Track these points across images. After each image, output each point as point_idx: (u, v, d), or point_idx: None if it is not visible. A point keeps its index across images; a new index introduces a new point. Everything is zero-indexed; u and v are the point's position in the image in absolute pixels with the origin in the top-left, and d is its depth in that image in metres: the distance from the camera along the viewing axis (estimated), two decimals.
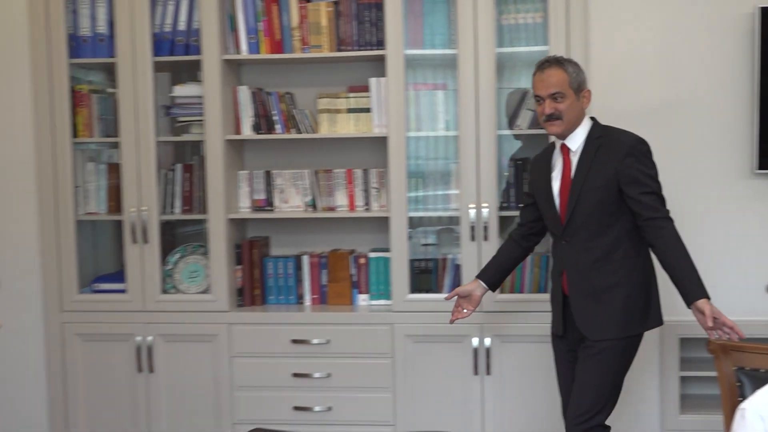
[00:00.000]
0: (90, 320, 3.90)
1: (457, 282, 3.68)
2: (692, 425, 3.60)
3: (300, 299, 3.92)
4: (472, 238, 3.60)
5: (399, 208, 3.65)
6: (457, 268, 3.71)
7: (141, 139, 3.80)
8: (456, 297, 3.19)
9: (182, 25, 3.80)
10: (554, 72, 2.90)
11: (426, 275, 3.79)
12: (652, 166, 2.88)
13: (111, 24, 3.81)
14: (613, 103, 3.59)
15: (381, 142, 3.72)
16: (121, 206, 3.86)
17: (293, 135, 3.83)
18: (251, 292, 3.90)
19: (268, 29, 3.77)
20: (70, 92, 3.85)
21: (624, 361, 2.90)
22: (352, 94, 3.79)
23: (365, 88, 3.75)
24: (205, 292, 3.88)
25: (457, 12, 3.56)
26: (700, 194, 3.65)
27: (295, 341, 3.74)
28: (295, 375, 3.75)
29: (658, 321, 2.97)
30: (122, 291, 3.90)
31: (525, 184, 3.57)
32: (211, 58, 3.73)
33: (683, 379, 3.63)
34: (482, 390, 3.65)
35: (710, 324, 2.61)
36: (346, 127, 3.79)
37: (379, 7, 3.64)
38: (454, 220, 3.78)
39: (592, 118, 3.00)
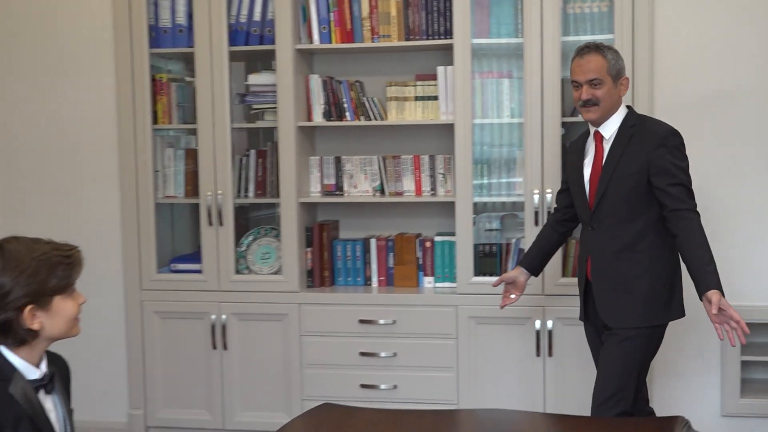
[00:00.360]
0: (167, 299, 4.04)
1: None
2: (752, 409, 3.62)
3: (367, 281, 4.01)
4: (536, 223, 3.64)
5: (464, 193, 3.71)
6: (520, 253, 3.75)
7: (217, 126, 3.91)
8: (503, 284, 3.25)
9: (257, 16, 3.90)
10: (593, 58, 2.87)
11: (490, 259, 3.83)
12: (684, 158, 2.84)
13: (190, 15, 3.94)
14: (677, 91, 3.60)
15: (447, 129, 3.78)
16: (197, 190, 3.99)
17: (362, 122, 3.91)
18: (321, 273, 4.00)
19: (339, 19, 3.86)
20: (150, 81, 3.99)
21: (647, 349, 2.89)
22: (419, 83, 3.86)
23: (433, 77, 3.82)
24: (276, 273, 3.99)
25: (523, 2, 3.61)
26: (759, 183, 3.63)
27: (362, 321, 3.83)
28: (362, 354, 3.84)
29: (680, 312, 2.95)
30: (198, 271, 4.02)
31: None
32: (284, 47, 3.83)
33: (744, 364, 3.63)
34: (544, 371, 3.70)
35: (714, 311, 2.57)
36: (414, 114, 3.86)
37: None
38: (517, 206, 3.83)
39: (628, 107, 2.98)
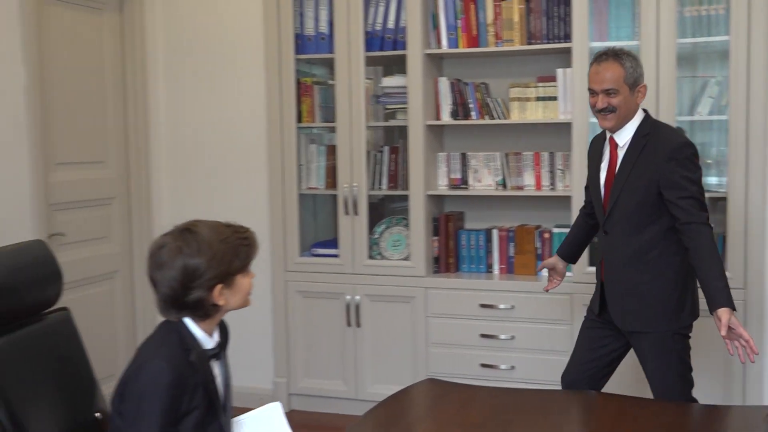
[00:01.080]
0: (308, 280, 4.31)
1: None
2: None
3: (489, 268, 4.16)
4: None
5: (581, 187, 3.79)
6: None
7: (354, 124, 4.17)
8: (547, 269, 3.31)
9: (391, 24, 4.13)
10: (610, 66, 2.76)
11: None
12: (695, 170, 2.75)
13: (331, 24, 4.20)
14: None
15: (566, 128, 3.89)
16: (336, 182, 4.26)
17: (487, 121, 4.07)
18: (446, 260, 4.19)
19: (465, 26, 4.04)
20: (296, 84, 4.28)
21: (679, 351, 2.82)
22: (540, 84, 3.99)
23: (553, 78, 3.94)
24: (405, 259, 4.20)
25: (640, 6, 3.67)
26: None
27: (483, 305, 3.99)
28: (483, 336, 4.00)
29: (693, 317, 2.86)
30: (335, 256, 4.29)
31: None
32: (415, 52, 4.04)
33: None
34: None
35: (723, 333, 2.50)
36: (535, 113, 3.99)
37: (567, 2, 3.82)
38: None
39: (645, 111, 2.90)
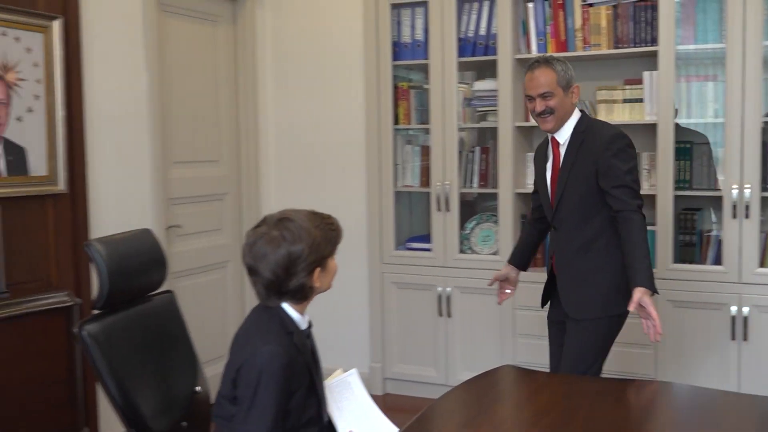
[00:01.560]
0: (403, 272, 4.48)
1: (718, 255, 3.82)
2: None
3: None
4: (734, 216, 3.72)
5: (666, 187, 3.86)
6: (719, 243, 3.84)
7: (447, 126, 4.32)
8: (497, 282, 3.33)
9: (483, 31, 4.26)
10: (543, 71, 2.90)
11: (690, 248, 3.95)
12: (629, 159, 2.86)
13: (426, 32, 4.36)
14: None
15: (651, 129, 3.93)
16: (429, 181, 4.41)
17: None
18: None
19: (554, 31, 4.13)
20: (393, 88, 4.46)
21: (607, 336, 2.95)
22: (627, 86, 4.05)
23: (639, 81, 3.99)
24: (495, 253, 4.32)
25: (727, 9, 3.68)
26: None
27: None
28: None
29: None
30: (428, 249, 4.44)
31: None
32: (505, 57, 4.16)
33: None
34: (739, 355, 3.76)
35: (631, 308, 2.65)
36: (621, 115, 4.04)
37: (654, 7, 3.86)
38: (717, 199, 3.88)
39: (582, 111, 3.01)
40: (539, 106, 2.92)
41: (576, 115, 2.99)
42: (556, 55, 3.05)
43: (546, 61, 2.93)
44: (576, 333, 2.95)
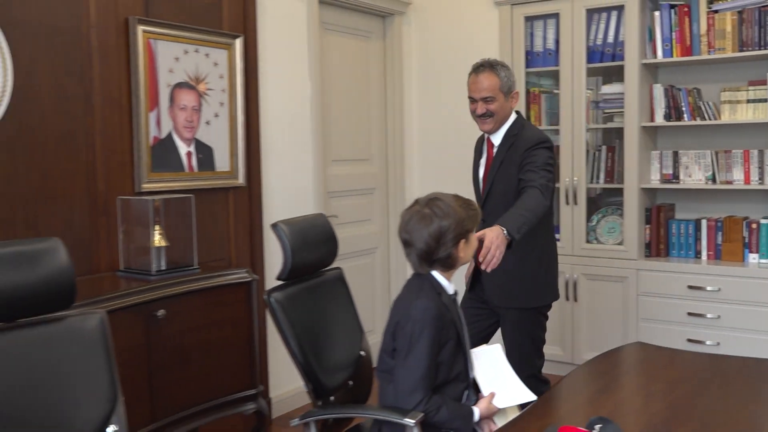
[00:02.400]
0: None
1: None
2: None
3: (697, 254, 4.15)
4: None
5: None
6: None
7: (575, 127, 4.32)
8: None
9: (610, 39, 4.25)
10: (487, 76, 2.83)
11: None
12: (547, 156, 2.80)
13: (556, 41, 4.40)
14: None
15: None
16: (559, 177, 4.40)
17: (698, 122, 4.07)
18: (657, 246, 4.22)
19: (679, 37, 4.06)
20: (526, 93, 4.51)
21: (536, 327, 2.94)
22: (751, 87, 3.93)
23: (764, 82, 3.88)
24: (619, 244, 4.30)
25: None
26: None
27: (690, 287, 3.99)
28: (690, 314, 4.00)
29: (555, 296, 3.01)
30: (557, 240, 4.42)
31: None
32: (632, 63, 4.13)
33: None
34: None
35: (476, 235, 2.38)
36: (745, 114, 3.93)
37: None
38: None
39: (517, 113, 2.95)
40: (480, 108, 2.88)
41: (512, 119, 2.96)
42: (500, 60, 3.00)
43: (491, 66, 2.88)
44: (509, 327, 2.96)
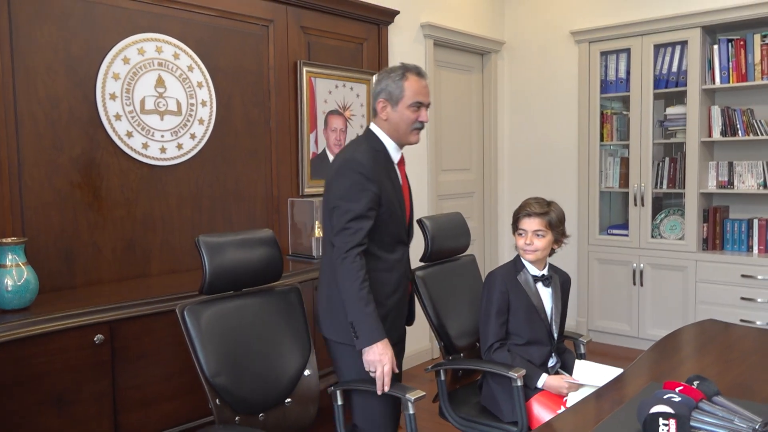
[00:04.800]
0: (604, 252, 4.47)
1: None
2: None
3: (749, 249, 4.02)
4: None
5: None
6: None
7: (642, 142, 4.26)
8: None
9: (674, 69, 4.16)
10: (426, 82, 2.04)
11: None
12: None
13: (628, 72, 4.33)
14: None
15: None
16: (627, 183, 4.37)
17: (751, 137, 3.95)
18: (713, 241, 4.12)
19: (736, 66, 3.94)
20: (600, 114, 4.46)
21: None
22: None
23: None
24: (680, 239, 4.20)
25: None
26: None
27: (743, 276, 3.88)
28: (743, 298, 3.89)
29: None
30: (626, 235, 4.40)
31: None
32: (693, 89, 4.04)
33: None
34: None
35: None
36: None
37: None
38: None
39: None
40: (425, 116, 2.03)
41: None
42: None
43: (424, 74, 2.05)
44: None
